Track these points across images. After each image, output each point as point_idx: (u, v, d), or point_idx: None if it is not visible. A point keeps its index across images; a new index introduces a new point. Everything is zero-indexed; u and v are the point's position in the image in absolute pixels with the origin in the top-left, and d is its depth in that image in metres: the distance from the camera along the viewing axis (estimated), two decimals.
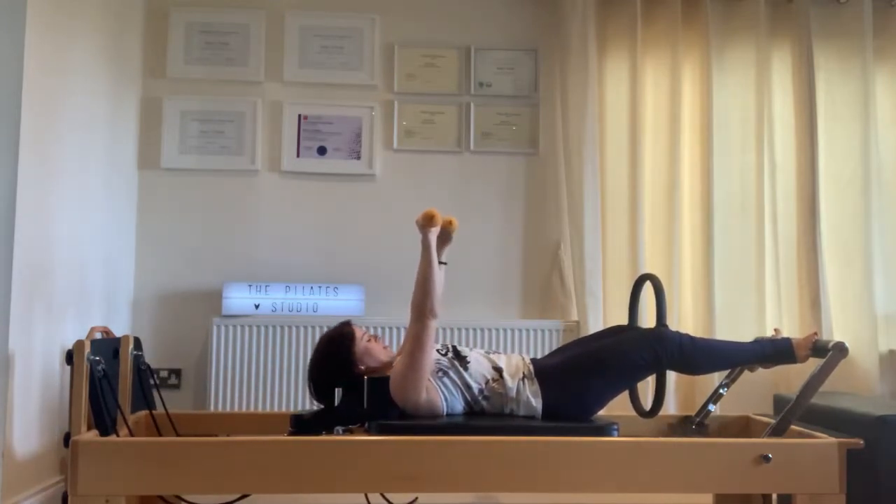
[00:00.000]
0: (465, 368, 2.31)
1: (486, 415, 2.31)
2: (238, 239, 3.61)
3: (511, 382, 2.30)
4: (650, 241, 3.63)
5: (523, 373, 2.32)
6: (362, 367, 2.35)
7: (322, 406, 2.40)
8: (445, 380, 2.29)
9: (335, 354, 2.35)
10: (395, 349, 3.42)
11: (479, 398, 2.31)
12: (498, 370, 2.33)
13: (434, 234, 2.26)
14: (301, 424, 2.34)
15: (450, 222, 2.35)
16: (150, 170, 3.60)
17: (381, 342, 2.42)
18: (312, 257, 3.63)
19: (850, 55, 3.70)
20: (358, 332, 2.39)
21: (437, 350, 2.36)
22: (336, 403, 2.37)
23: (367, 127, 3.67)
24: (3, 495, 2.35)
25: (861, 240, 3.60)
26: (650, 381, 3.18)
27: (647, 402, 2.54)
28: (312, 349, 2.45)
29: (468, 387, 2.30)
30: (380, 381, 2.29)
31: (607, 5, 3.69)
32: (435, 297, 2.20)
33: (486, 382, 2.31)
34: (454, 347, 2.38)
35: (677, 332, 2.36)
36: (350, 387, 2.35)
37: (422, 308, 2.20)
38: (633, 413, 2.52)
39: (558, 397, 2.29)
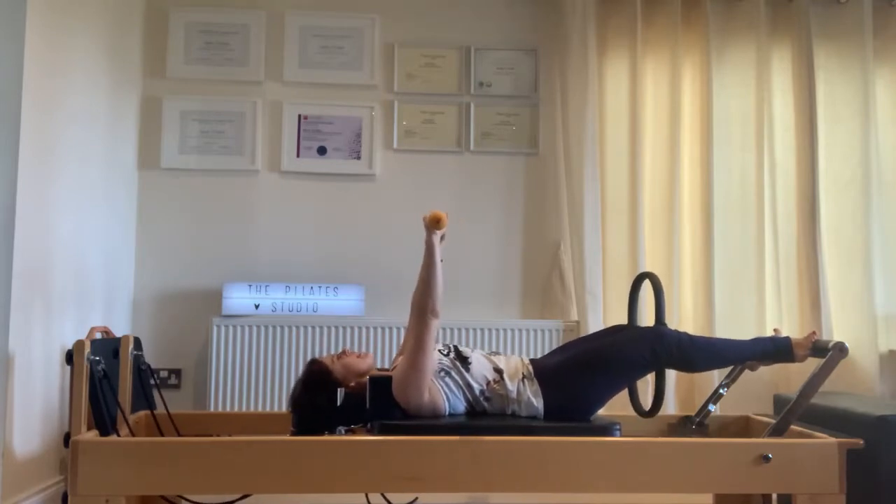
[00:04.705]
0: (467, 369, 2.32)
1: (487, 415, 2.31)
2: (238, 239, 3.61)
3: (511, 384, 2.30)
4: (650, 241, 3.63)
5: (523, 374, 2.33)
6: (353, 384, 2.34)
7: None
8: (447, 380, 2.30)
9: (322, 393, 2.32)
10: (394, 349, 3.43)
11: (481, 398, 2.31)
12: (499, 371, 2.34)
13: (439, 235, 2.25)
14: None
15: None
16: (150, 170, 3.60)
17: (351, 353, 2.40)
18: (312, 257, 3.63)
19: (850, 55, 3.70)
20: (327, 361, 2.37)
21: (440, 350, 2.36)
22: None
23: (367, 127, 3.67)
24: (3, 495, 2.35)
25: (861, 240, 3.60)
26: (650, 381, 3.21)
27: (647, 402, 2.54)
28: (293, 396, 2.36)
29: (469, 387, 2.31)
30: (382, 381, 2.28)
31: (607, 5, 3.69)
32: (437, 297, 2.21)
33: (488, 383, 2.32)
34: (456, 348, 2.38)
35: (676, 331, 2.37)
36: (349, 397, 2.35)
37: (423, 307, 2.20)
38: (633, 413, 2.52)
39: (558, 397, 2.29)
